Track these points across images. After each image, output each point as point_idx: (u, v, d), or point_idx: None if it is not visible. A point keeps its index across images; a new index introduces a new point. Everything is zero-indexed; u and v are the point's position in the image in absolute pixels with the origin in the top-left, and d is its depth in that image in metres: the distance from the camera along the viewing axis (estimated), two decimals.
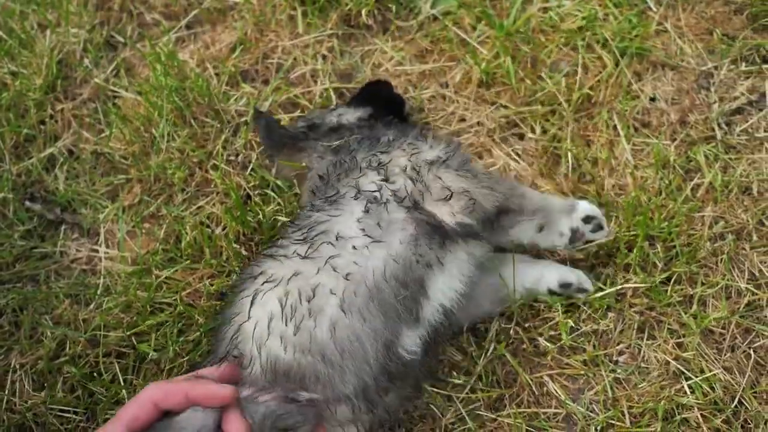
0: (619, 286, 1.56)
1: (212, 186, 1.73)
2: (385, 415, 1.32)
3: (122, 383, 1.52)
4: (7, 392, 1.54)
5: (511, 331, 1.57)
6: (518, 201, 1.45)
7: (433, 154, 1.40)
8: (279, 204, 1.64)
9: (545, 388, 1.52)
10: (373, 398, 1.23)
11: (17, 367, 1.56)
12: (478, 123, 1.83)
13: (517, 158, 1.77)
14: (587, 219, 1.50)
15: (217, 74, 1.90)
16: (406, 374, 1.28)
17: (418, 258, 1.26)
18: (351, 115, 1.67)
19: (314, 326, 1.18)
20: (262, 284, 1.22)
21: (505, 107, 1.81)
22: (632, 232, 1.60)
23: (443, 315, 1.31)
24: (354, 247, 1.23)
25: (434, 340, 1.33)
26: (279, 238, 1.37)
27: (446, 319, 1.32)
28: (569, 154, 1.75)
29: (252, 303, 1.20)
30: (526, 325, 1.57)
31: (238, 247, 1.63)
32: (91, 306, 1.63)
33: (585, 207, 1.52)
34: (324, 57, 1.92)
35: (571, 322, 1.54)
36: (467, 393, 1.51)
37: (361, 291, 1.20)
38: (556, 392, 1.51)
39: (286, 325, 1.18)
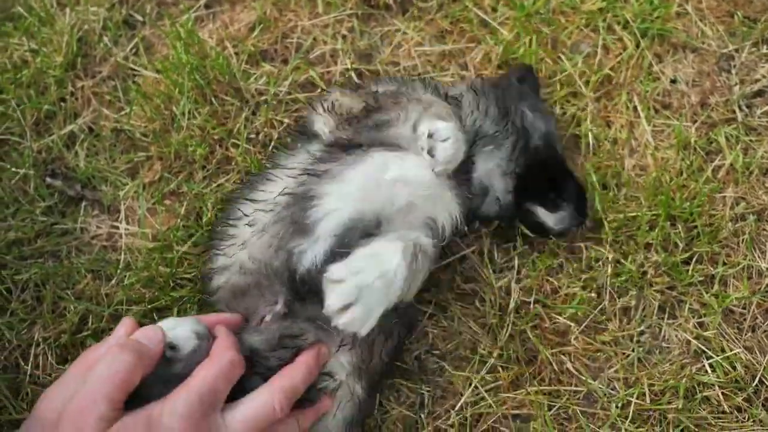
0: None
1: (233, 164, 1.74)
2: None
3: None
4: (30, 366, 1.55)
5: (532, 308, 1.57)
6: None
7: None
8: None
9: (565, 366, 1.52)
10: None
11: (40, 340, 1.56)
12: None
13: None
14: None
15: (236, 53, 1.90)
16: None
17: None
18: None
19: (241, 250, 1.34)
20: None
21: None
22: (654, 212, 1.60)
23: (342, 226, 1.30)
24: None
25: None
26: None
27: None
28: (589, 134, 1.74)
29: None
30: (547, 302, 1.57)
31: None
32: (113, 281, 1.63)
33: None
34: (344, 37, 1.91)
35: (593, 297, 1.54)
36: (487, 371, 1.51)
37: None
38: (577, 370, 1.51)
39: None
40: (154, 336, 1.12)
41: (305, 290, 1.27)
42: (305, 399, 1.20)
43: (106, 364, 1.04)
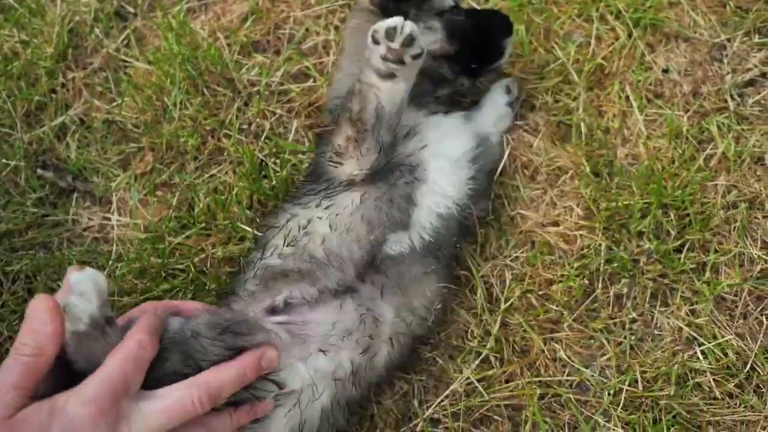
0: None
1: (225, 154, 1.73)
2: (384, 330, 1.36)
3: None
4: None
5: (524, 297, 1.57)
6: None
7: None
8: (296, 169, 1.64)
9: (558, 354, 1.52)
10: (357, 288, 1.35)
11: None
12: None
13: (528, 129, 1.76)
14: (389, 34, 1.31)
15: (228, 44, 1.89)
16: (396, 273, 1.37)
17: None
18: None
19: (307, 241, 1.36)
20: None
21: (522, 78, 1.81)
22: (646, 200, 1.60)
23: (437, 217, 1.44)
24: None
25: (436, 241, 1.44)
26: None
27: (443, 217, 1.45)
28: (581, 123, 1.74)
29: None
30: (540, 292, 1.57)
31: (251, 213, 1.63)
32: (104, 273, 1.62)
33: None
34: (336, 28, 1.91)
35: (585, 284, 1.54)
36: (480, 361, 1.51)
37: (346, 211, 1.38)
38: (569, 358, 1.51)
39: (284, 245, 1.37)
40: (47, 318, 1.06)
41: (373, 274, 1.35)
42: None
43: (11, 353, 1.03)
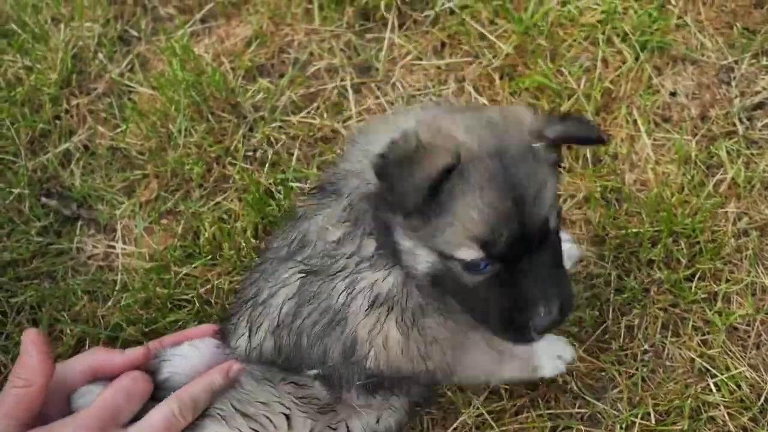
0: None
1: (230, 182, 1.72)
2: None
3: None
4: None
5: None
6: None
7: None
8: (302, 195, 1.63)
9: (569, 386, 1.50)
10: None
11: None
12: None
13: None
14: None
15: (233, 68, 1.88)
16: None
17: None
18: None
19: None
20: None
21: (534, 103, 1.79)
22: (655, 228, 1.58)
23: None
24: None
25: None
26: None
27: None
28: (588, 149, 1.73)
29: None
30: None
31: (257, 242, 1.61)
32: (110, 303, 1.61)
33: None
34: (341, 51, 1.90)
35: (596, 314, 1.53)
36: (489, 392, 1.49)
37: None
38: (581, 390, 1.49)
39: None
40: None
41: None
42: None
43: (6, 384, 1.11)
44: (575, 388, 1.50)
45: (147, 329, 1.54)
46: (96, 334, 1.56)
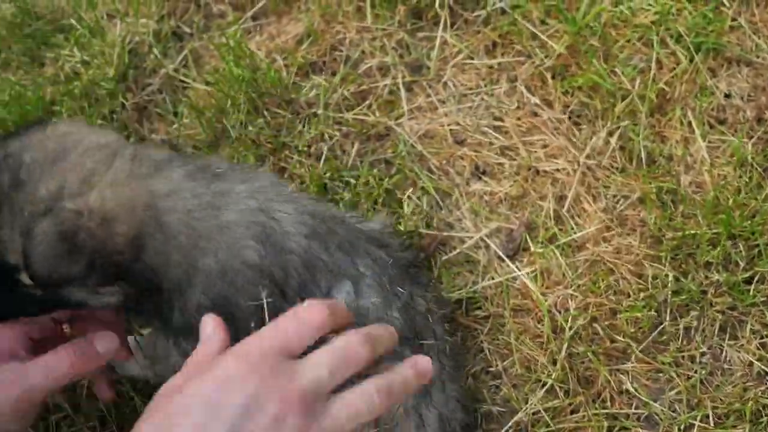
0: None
1: (285, 176, 1.73)
2: None
3: None
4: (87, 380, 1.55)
5: (590, 326, 1.55)
6: None
7: None
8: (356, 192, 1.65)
9: (624, 387, 1.51)
10: None
11: None
12: (549, 119, 1.81)
13: (590, 154, 1.75)
14: None
15: (286, 66, 1.90)
16: None
17: None
18: None
19: None
20: None
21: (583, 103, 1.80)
22: (713, 230, 1.58)
23: None
24: None
25: None
26: None
27: None
28: (642, 150, 1.73)
29: None
30: (606, 322, 1.55)
31: None
32: None
33: None
34: (393, 49, 1.91)
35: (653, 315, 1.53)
36: (545, 392, 1.49)
37: None
38: (637, 391, 1.49)
39: None
40: None
41: None
42: None
43: None
44: (631, 388, 1.50)
45: None
46: None
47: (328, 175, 1.71)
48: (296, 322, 0.95)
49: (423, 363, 1.01)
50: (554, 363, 1.51)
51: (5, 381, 1.13)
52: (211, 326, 1.00)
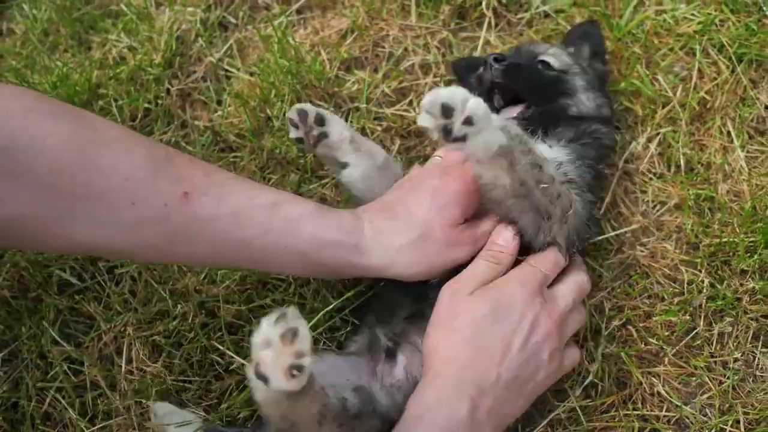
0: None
1: (326, 168, 1.76)
2: None
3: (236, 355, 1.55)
4: (124, 360, 1.58)
5: (624, 331, 1.57)
6: None
7: None
8: None
9: (656, 389, 1.52)
10: None
11: (133, 337, 1.59)
12: None
13: (628, 158, 1.76)
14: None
15: (329, 59, 1.92)
16: None
17: None
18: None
19: None
20: None
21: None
22: (751, 238, 1.59)
23: None
24: None
25: None
26: None
27: None
28: (681, 157, 1.74)
29: None
30: (640, 325, 1.57)
31: None
32: (205, 278, 1.65)
33: None
34: (435, 48, 1.93)
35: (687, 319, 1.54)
36: (581, 392, 1.51)
37: None
38: (668, 394, 1.51)
39: None
40: None
41: None
42: None
43: None
44: (663, 391, 1.51)
45: (245, 307, 1.58)
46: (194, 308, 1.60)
47: None
48: (551, 262, 1.36)
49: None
50: (593, 360, 1.52)
51: None
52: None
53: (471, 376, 1.22)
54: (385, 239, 1.32)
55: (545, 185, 1.28)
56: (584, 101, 1.62)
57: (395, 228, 1.33)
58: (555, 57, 1.65)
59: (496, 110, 1.55)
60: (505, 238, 1.35)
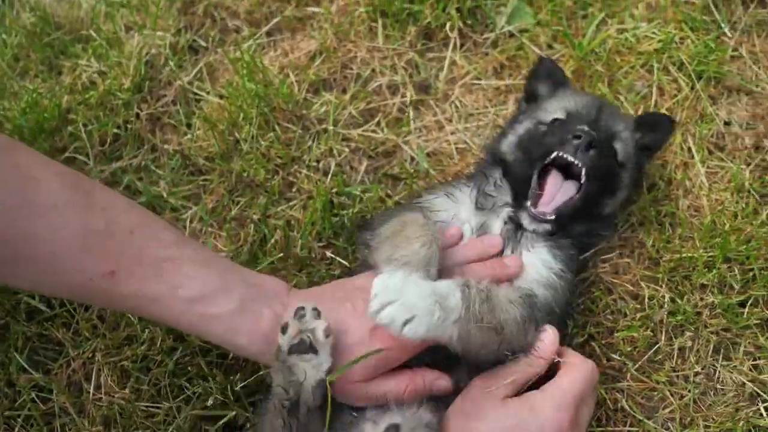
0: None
1: (294, 190, 1.78)
2: None
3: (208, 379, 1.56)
4: (92, 386, 1.59)
5: (587, 347, 1.59)
6: None
7: None
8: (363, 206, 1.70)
9: (620, 404, 1.54)
10: None
11: (102, 363, 1.60)
12: None
13: None
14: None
15: (297, 81, 1.94)
16: None
17: None
18: None
19: None
20: None
21: None
22: (709, 254, 1.62)
23: None
24: None
25: None
26: None
27: None
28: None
29: None
30: (603, 341, 1.59)
31: (321, 246, 1.68)
32: None
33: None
34: (402, 68, 1.96)
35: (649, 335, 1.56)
36: None
37: None
38: (632, 410, 1.53)
39: None
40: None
41: None
42: None
43: None
44: (626, 406, 1.54)
45: None
46: (163, 334, 1.61)
47: (335, 190, 1.74)
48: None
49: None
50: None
51: None
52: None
53: None
54: None
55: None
56: (617, 202, 1.60)
57: None
58: (624, 145, 1.57)
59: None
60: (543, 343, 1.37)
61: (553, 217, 1.43)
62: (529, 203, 1.45)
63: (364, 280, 1.36)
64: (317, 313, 1.29)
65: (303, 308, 1.30)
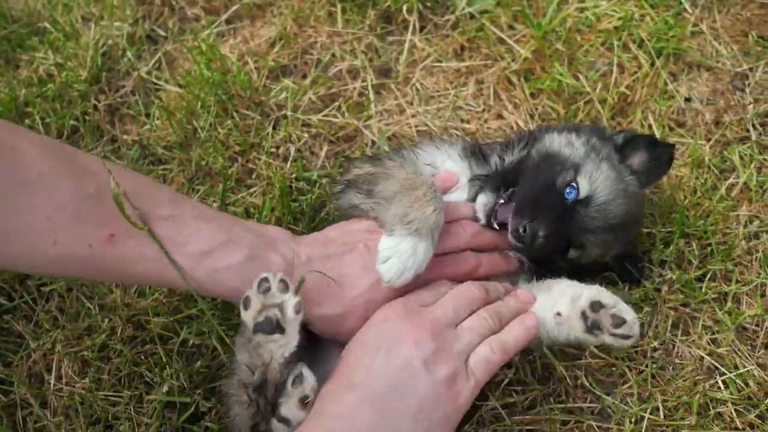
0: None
1: (253, 177, 1.77)
2: None
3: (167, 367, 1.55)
4: (53, 377, 1.58)
5: None
6: None
7: None
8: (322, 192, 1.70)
9: (579, 381, 1.54)
10: None
11: (62, 353, 1.59)
12: (515, 122, 1.85)
13: None
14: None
15: (257, 68, 1.93)
16: None
17: None
18: None
19: None
20: None
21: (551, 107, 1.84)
22: (668, 229, 1.62)
23: None
24: None
25: None
26: None
27: None
28: None
29: None
30: None
31: None
32: (134, 292, 1.66)
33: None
34: (362, 53, 1.95)
35: None
36: (504, 387, 1.53)
37: None
38: (591, 386, 1.53)
39: None
40: None
41: None
42: None
43: None
44: (586, 383, 1.54)
45: (171, 318, 1.59)
46: (122, 322, 1.61)
47: (294, 176, 1.74)
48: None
49: (525, 294, 1.41)
50: (512, 359, 1.54)
51: None
52: None
53: None
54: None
55: None
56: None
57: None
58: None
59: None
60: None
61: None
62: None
63: (367, 224, 1.38)
64: (284, 285, 1.22)
65: (267, 279, 1.22)
